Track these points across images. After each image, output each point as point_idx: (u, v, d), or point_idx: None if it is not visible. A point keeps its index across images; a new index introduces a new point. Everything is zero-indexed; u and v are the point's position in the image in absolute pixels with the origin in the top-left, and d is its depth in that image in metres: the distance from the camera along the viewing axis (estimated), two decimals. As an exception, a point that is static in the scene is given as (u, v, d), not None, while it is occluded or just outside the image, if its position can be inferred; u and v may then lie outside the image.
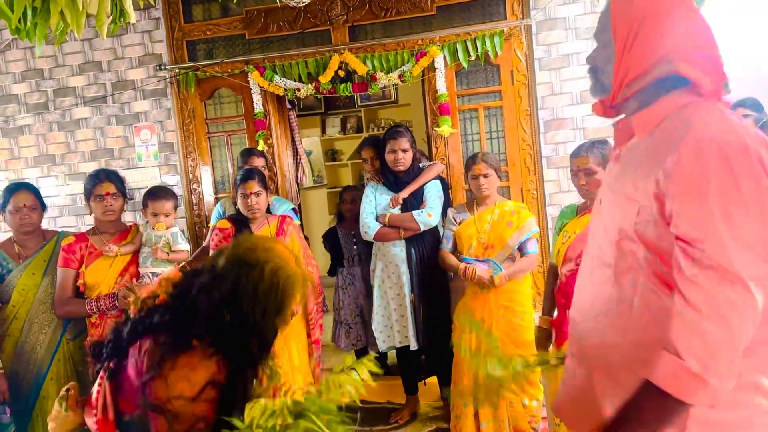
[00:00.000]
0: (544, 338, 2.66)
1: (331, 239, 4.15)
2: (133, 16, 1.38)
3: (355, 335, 3.98)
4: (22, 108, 4.29)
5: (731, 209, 1.04)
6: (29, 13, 1.43)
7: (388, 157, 3.39)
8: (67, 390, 1.55)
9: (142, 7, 1.35)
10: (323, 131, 7.10)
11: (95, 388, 1.45)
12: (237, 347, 1.38)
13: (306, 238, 4.07)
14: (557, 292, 2.58)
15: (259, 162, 3.53)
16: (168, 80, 4.06)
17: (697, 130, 1.10)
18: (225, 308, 1.39)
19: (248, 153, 3.61)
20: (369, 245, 3.89)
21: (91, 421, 1.46)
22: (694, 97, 1.19)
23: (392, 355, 3.96)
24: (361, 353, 4.14)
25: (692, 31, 1.20)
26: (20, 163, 4.34)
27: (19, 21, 1.71)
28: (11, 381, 2.89)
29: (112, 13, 1.55)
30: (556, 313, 2.65)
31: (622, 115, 1.35)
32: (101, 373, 1.45)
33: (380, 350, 3.65)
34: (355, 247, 4.02)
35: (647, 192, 1.15)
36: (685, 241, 1.07)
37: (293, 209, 3.58)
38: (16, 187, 3.01)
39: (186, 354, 1.35)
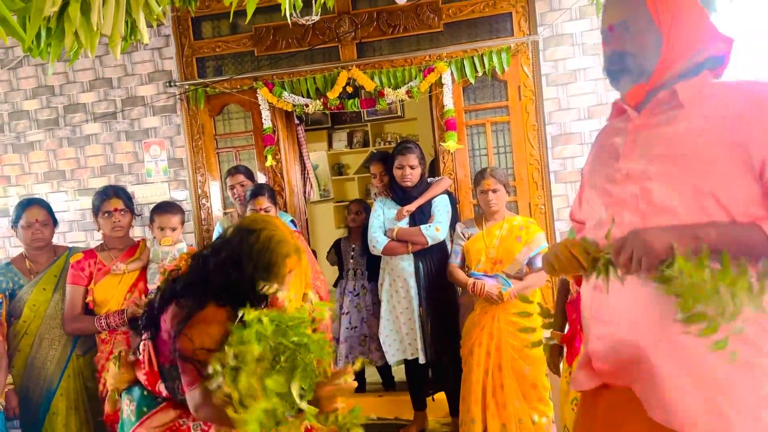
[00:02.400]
0: (555, 354, 2.65)
1: (336, 252, 4.20)
2: (146, 36, 1.40)
3: (355, 353, 3.94)
4: (33, 124, 4.33)
5: None
6: (43, 33, 1.46)
7: (396, 173, 3.41)
8: (120, 352, 1.91)
9: (154, 26, 1.37)
10: (330, 145, 7.13)
11: (141, 348, 1.81)
12: (240, 301, 1.60)
13: (313, 252, 4.09)
14: (568, 306, 2.57)
15: (242, 179, 3.58)
16: (177, 96, 4.10)
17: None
18: (230, 267, 1.67)
19: (234, 171, 3.64)
20: (364, 261, 3.91)
21: (140, 374, 1.83)
22: (719, 71, 1.36)
23: (399, 371, 3.95)
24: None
25: (705, 13, 1.36)
26: (30, 179, 4.37)
27: (33, 41, 1.74)
28: (21, 396, 2.90)
29: (125, 33, 1.58)
30: (567, 329, 2.63)
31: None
32: (144, 336, 1.78)
33: (389, 363, 3.65)
34: (351, 260, 4.04)
35: (720, 149, 1.22)
36: None
37: (291, 221, 3.61)
38: (29, 203, 3.04)
39: (203, 311, 1.62)
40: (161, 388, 1.76)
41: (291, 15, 1.46)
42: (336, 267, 4.26)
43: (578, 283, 1.69)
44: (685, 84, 1.32)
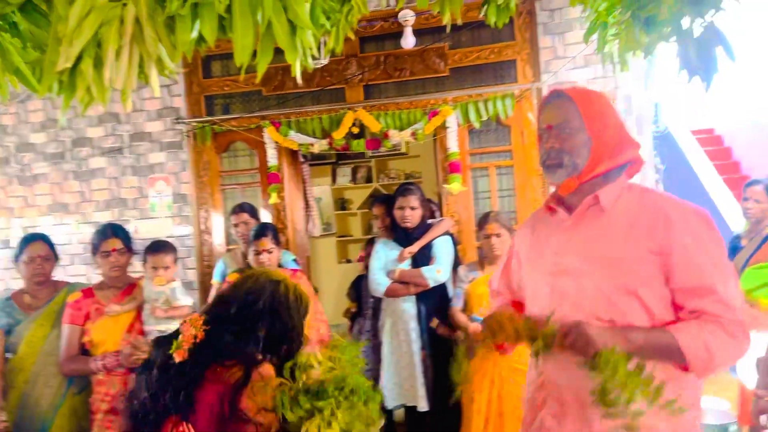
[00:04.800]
0: None
1: (356, 289, 4.16)
2: (157, 91, 1.41)
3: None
4: (40, 157, 4.36)
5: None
6: (55, 86, 1.48)
7: (397, 214, 3.42)
8: None
9: (166, 76, 1.39)
10: (333, 180, 7.16)
11: None
12: (282, 351, 1.61)
13: (314, 289, 4.08)
14: None
15: (246, 218, 3.57)
16: (185, 133, 4.14)
17: (670, 204, 1.51)
18: (268, 319, 1.62)
19: (239, 209, 3.64)
20: (381, 300, 3.88)
21: None
22: (631, 173, 1.63)
23: (399, 414, 3.89)
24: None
25: (621, 124, 1.61)
26: (34, 211, 4.38)
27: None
28: (14, 434, 2.85)
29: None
30: None
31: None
32: (172, 419, 1.55)
33: (388, 408, 3.59)
34: (371, 300, 4.03)
35: (641, 254, 1.47)
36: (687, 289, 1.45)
37: (294, 260, 3.60)
38: (32, 238, 3.03)
39: (258, 368, 1.58)
40: None
41: (301, 74, 1.48)
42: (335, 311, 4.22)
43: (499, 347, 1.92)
44: (605, 190, 1.56)
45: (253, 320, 1.62)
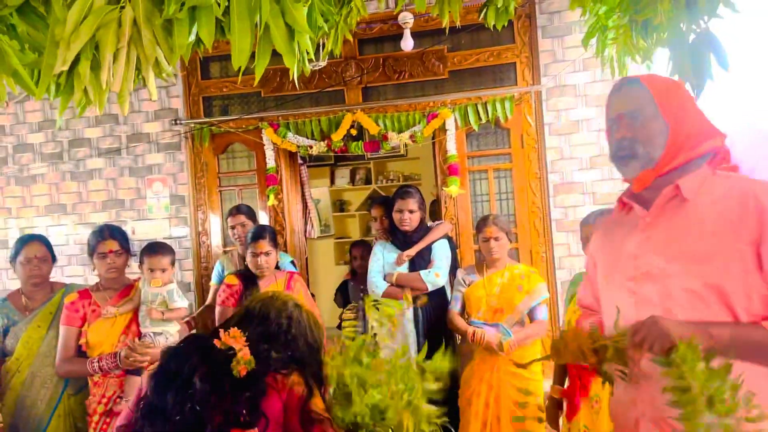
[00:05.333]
0: (554, 408, 2.60)
1: (343, 293, 4.16)
2: (155, 94, 1.41)
3: None
4: (37, 157, 4.35)
5: None
6: (52, 88, 1.47)
7: (395, 216, 3.41)
8: None
9: (163, 79, 1.39)
10: (332, 182, 7.15)
11: None
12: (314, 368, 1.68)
13: (312, 295, 4.07)
14: (569, 365, 2.54)
15: (243, 219, 3.56)
16: (183, 134, 4.13)
17: (760, 187, 1.35)
18: (302, 341, 1.70)
19: (236, 210, 3.63)
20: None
21: None
22: (714, 165, 1.45)
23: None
24: None
25: (701, 112, 1.47)
26: (32, 211, 4.37)
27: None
28: (10, 436, 2.84)
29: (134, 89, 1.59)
30: (567, 383, 2.60)
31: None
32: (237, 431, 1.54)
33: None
34: (361, 302, 4.01)
35: (733, 246, 1.31)
36: None
37: (291, 262, 3.59)
38: (29, 239, 3.02)
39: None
40: None
41: (298, 78, 1.48)
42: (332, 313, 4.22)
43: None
44: (687, 179, 1.41)
45: (290, 343, 1.69)
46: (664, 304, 1.38)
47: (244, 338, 1.62)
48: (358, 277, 4.14)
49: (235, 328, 1.65)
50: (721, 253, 1.32)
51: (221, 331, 1.63)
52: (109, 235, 2.91)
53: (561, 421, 2.56)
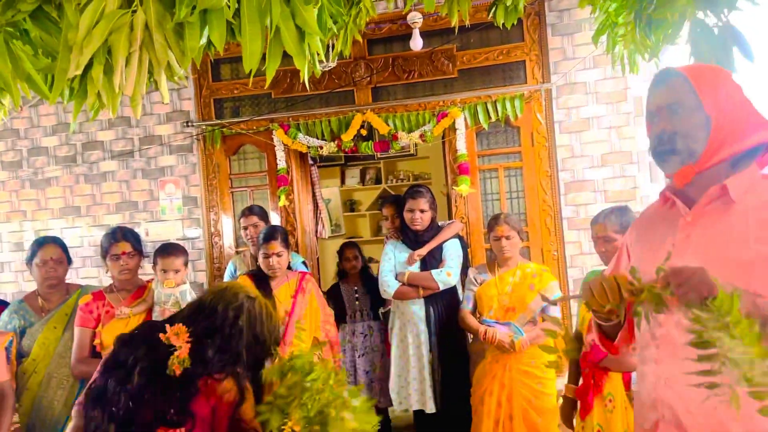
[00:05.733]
0: (568, 407, 2.59)
1: (334, 296, 4.15)
2: (167, 97, 1.42)
3: None
4: (51, 160, 4.40)
5: None
6: (66, 92, 1.49)
7: (406, 216, 3.41)
8: None
9: (175, 82, 1.41)
10: (342, 182, 7.16)
11: None
12: (256, 364, 1.66)
13: (324, 293, 4.08)
14: (582, 360, 2.52)
15: (255, 220, 3.57)
16: (194, 136, 4.16)
17: None
18: (248, 336, 1.67)
19: (248, 211, 3.64)
20: (371, 301, 3.88)
21: None
22: (764, 161, 1.36)
23: (408, 417, 3.90)
24: None
25: (749, 102, 1.39)
26: (46, 214, 4.42)
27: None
28: (28, 436, 2.88)
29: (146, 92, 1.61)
30: (581, 382, 2.59)
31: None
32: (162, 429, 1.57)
33: (396, 409, 3.60)
34: (357, 302, 4.02)
35: None
36: None
37: (303, 262, 3.60)
38: (44, 241, 3.05)
39: (247, 382, 1.64)
40: None
41: (309, 79, 1.49)
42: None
43: (589, 329, 1.68)
44: (735, 179, 1.34)
45: (235, 337, 1.65)
46: None
47: (188, 334, 1.61)
48: (349, 278, 4.11)
49: (181, 324, 1.64)
50: (764, 262, 1.26)
51: (167, 325, 1.63)
52: (122, 237, 2.93)
53: (575, 420, 2.55)
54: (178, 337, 1.59)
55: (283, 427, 1.48)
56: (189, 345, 1.59)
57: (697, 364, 1.12)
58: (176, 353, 1.56)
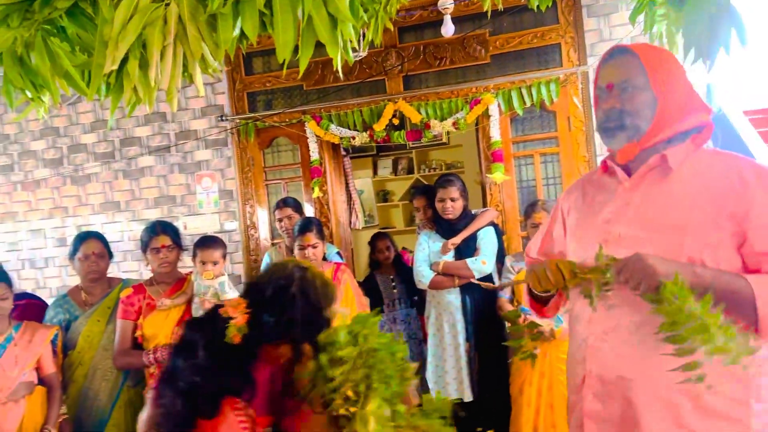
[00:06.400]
0: None
1: (370, 286, 4.16)
2: (202, 90, 1.43)
3: None
4: (91, 157, 4.49)
5: None
6: (103, 87, 1.51)
7: (438, 206, 3.39)
8: None
9: (210, 75, 1.42)
10: (375, 172, 7.16)
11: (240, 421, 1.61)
12: (314, 334, 1.65)
13: (360, 284, 4.09)
14: None
15: (290, 212, 3.59)
16: (229, 130, 4.20)
17: (745, 164, 1.37)
18: (300, 302, 1.68)
19: (283, 203, 3.66)
20: (409, 290, 3.87)
21: None
22: (699, 141, 1.45)
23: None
24: None
25: (691, 85, 1.47)
26: (87, 210, 4.52)
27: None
28: (75, 426, 2.95)
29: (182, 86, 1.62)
30: None
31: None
32: (229, 399, 1.59)
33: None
34: (394, 290, 4.02)
35: (711, 219, 1.33)
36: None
37: (337, 253, 3.61)
38: (86, 236, 3.12)
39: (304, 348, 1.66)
40: None
41: (341, 69, 1.47)
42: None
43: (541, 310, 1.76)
44: (674, 149, 1.42)
45: (288, 305, 1.68)
46: None
47: (245, 306, 1.66)
48: (383, 268, 4.13)
49: (241, 297, 1.71)
50: (699, 225, 1.33)
51: (226, 300, 1.70)
52: (161, 230, 2.98)
53: None
54: (236, 309, 1.65)
55: (332, 391, 1.50)
56: (246, 316, 1.64)
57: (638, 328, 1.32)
58: (232, 322, 1.62)
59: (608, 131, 1.46)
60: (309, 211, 4.10)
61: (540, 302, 1.71)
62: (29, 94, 1.46)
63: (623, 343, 1.39)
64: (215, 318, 1.68)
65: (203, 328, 1.69)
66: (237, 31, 1.41)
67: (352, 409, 1.47)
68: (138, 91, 1.39)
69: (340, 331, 1.60)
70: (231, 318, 1.64)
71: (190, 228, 4.20)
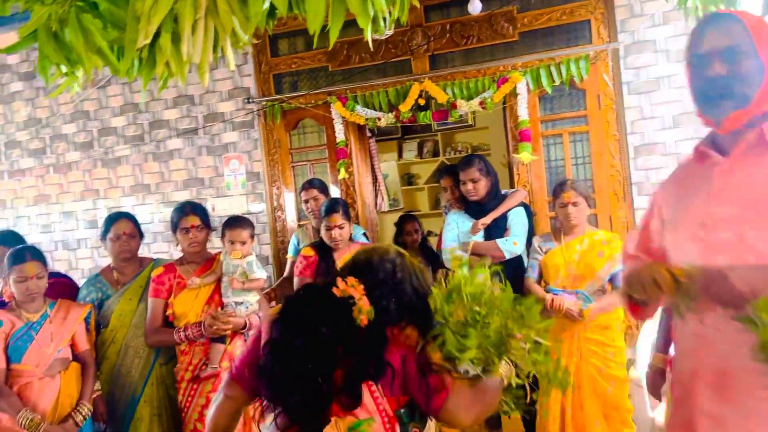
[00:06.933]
0: (657, 377, 2.47)
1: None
2: (232, 64, 1.43)
3: None
4: (121, 140, 4.55)
5: None
6: (135, 62, 1.51)
7: (462, 188, 3.37)
8: None
9: (240, 49, 1.42)
10: (400, 155, 7.13)
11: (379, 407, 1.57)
12: (423, 317, 1.62)
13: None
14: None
15: (316, 194, 3.58)
16: (255, 112, 4.21)
17: None
18: (410, 285, 1.67)
19: (309, 185, 3.66)
20: (432, 272, 3.85)
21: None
22: None
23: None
24: None
25: None
26: (118, 192, 4.60)
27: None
28: (108, 402, 3.02)
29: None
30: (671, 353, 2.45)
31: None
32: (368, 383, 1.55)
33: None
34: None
35: None
36: None
37: (363, 234, 3.62)
38: (117, 216, 3.18)
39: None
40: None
41: (372, 37, 1.46)
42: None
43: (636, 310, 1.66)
44: None
45: (398, 287, 1.64)
46: (738, 252, 1.32)
47: (362, 287, 1.56)
48: (408, 251, 4.12)
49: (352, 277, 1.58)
50: None
51: (338, 279, 1.56)
52: (191, 210, 3.01)
53: (665, 389, 2.43)
54: (355, 289, 1.55)
55: (461, 349, 1.48)
56: (366, 298, 1.56)
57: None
58: (359, 304, 1.52)
59: (712, 100, 1.39)
60: (335, 192, 4.11)
61: (638, 303, 1.61)
62: (64, 69, 1.48)
63: (739, 332, 1.26)
64: (327, 296, 1.56)
65: (312, 306, 1.55)
66: (267, 5, 1.40)
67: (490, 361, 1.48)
68: (170, 65, 1.39)
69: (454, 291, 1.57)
70: (349, 297, 1.54)
71: (218, 210, 4.25)
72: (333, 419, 1.50)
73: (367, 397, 1.52)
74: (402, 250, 1.79)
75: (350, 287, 1.54)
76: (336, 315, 1.51)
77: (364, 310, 1.51)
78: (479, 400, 1.54)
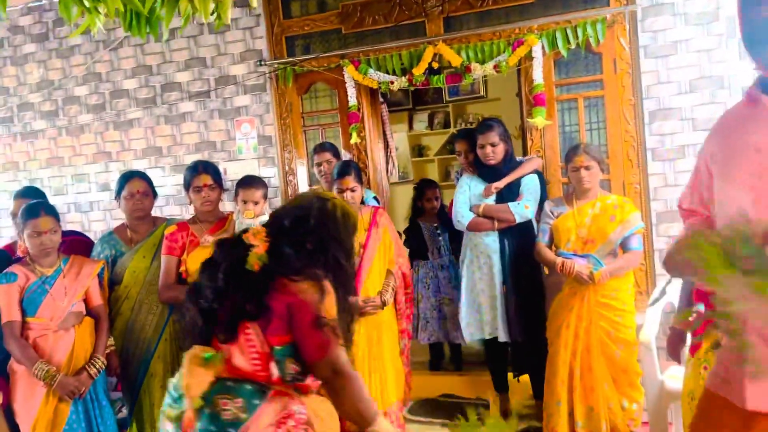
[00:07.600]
0: (677, 339, 2.46)
1: (413, 233, 4.18)
2: (228, 17, 1.43)
3: (431, 330, 4.06)
4: (132, 102, 4.55)
5: None
6: (159, 3, 1.51)
7: (479, 152, 3.37)
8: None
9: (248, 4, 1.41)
10: (410, 127, 7.08)
11: (237, 335, 1.71)
12: (333, 263, 1.76)
13: (403, 232, 4.14)
14: (695, 291, 2.34)
15: (328, 156, 3.59)
16: (267, 75, 4.19)
17: None
18: (318, 232, 1.77)
19: (321, 148, 3.66)
20: (456, 236, 3.87)
21: (241, 362, 1.71)
22: None
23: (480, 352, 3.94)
24: (435, 347, 4.18)
25: None
26: (130, 155, 4.61)
27: (134, 20, 1.80)
28: (122, 358, 3.07)
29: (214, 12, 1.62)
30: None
31: None
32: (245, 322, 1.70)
33: (467, 341, 3.65)
34: (440, 238, 4.06)
35: None
36: None
37: (375, 197, 3.62)
38: (131, 175, 3.20)
39: (325, 283, 1.72)
40: (274, 370, 1.69)
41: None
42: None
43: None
44: None
45: (305, 234, 1.75)
46: None
47: (265, 235, 1.74)
48: (425, 216, 4.16)
49: (263, 227, 1.78)
50: None
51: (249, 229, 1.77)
52: (203, 170, 3.03)
53: (684, 353, 2.43)
54: (256, 237, 1.73)
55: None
56: (266, 245, 1.72)
57: None
58: (253, 250, 1.70)
59: (765, 41, 1.31)
60: (346, 157, 4.09)
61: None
62: (87, 4, 1.47)
63: None
64: (238, 243, 1.77)
65: (228, 252, 1.77)
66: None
67: None
68: (194, 2, 1.39)
69: None
70: (252, 245, 1.72)
71: (230, 173, 4.25)
72: (197, 347, 1.71)
73: (241, 336, 1.69)
74: (330, 195, 1.91)
75: (253, 236, 1.73)
76: (235, 260, 1.71)
77: (256, 256, 1.69)
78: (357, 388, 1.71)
